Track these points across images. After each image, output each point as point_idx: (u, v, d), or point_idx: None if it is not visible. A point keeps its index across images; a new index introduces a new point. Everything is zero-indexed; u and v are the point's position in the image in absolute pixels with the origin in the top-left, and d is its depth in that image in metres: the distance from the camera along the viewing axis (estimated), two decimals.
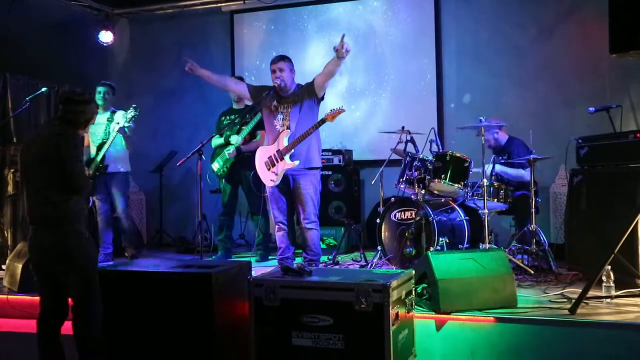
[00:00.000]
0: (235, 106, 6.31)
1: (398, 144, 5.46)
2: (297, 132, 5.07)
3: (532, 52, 6.79)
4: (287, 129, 5.11)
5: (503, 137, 5.62)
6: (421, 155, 5.27)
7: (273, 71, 5.17)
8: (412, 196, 5.14)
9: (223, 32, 8.05)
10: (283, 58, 5.21)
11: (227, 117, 6.20)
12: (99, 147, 5.91)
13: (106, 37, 7.78)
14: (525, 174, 5.32)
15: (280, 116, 5.17)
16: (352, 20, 7.43)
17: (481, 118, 5.04)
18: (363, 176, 7.28)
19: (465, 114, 6.51)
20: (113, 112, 6.07)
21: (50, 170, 3.30)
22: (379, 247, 5.26)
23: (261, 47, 7.80)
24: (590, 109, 5.31)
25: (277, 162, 5.12)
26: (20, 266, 4.73)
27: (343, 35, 4.76)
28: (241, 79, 6.05)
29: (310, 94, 5.12)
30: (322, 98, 5.21)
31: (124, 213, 6.16)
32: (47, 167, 3.31)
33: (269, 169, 5.19)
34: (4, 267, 5.26)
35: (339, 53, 4.76)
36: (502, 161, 5.45)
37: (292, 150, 5.06)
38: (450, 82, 7.15)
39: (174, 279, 3.55)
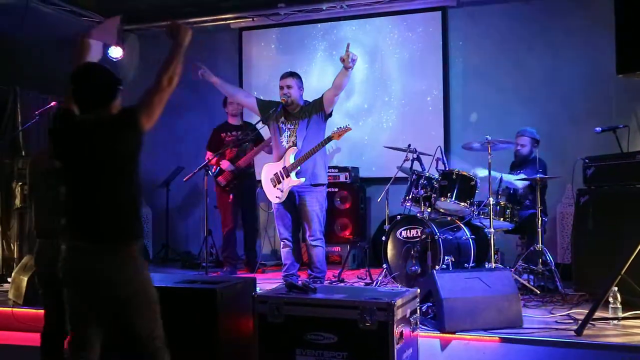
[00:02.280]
0: (231, 121, 6.32)
1: (404, 161, 5.47)
2: (303, 149, 5.08)
3: (538, 71, 6.81)
4: (293, 145, 5.13)
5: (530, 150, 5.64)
6: (427, 174, 5.28)
7: (281, 87, 5.20)
8: (418, 214, 5.13)
9: (231, 49, 8.11)
10: (292, 74, 5.24)
11: (228, 133, 6.20)
12: None
13: (116, 52, 7.84)
14: (519, 184, 5.33)
15: (286, 132, 5.19)
16: (360, 38, 7.46)
17: (487, 137, 5.04)
18: (369, 193, 7.28)
19: (472, 132, 6.51)
20: None
21: (59, 183, 3.32)
22: (384, 265, 5.24)
23: (269, 65, 7.84)
24: (597, 128, 5.31)
25: (283, 179, 5.13)
26: (26, 279, 4.74)
27: (348, 45, 4.81)
28: None
29: (318, 109, 5.14)
30: (330, 114, 5.22)
31: None
32: (57, 180, 3.33)
33: (274, 186, 5.20)
34: (9, 280, 5.27)
35: (345, 63, 4.80)
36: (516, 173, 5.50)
37: (298, 168, 5.07)
38: (457, 100, 7.17)
39: (179, 294, 3.55)
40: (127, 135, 2.61)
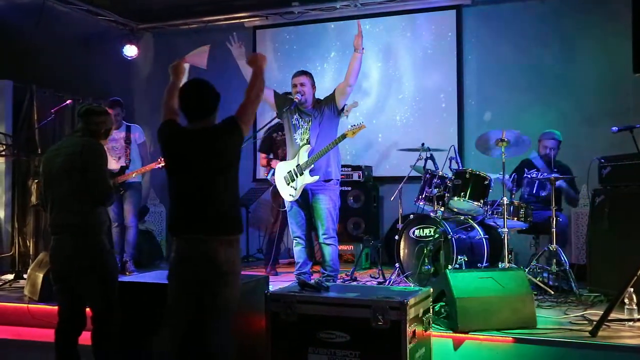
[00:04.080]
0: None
1: (418, 160, 5.46)
2: (317, 147, 5.07)
3: (553, 69, 6.77)
4: (307, 143, 5.12)
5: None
6: (441, 173, 5.26)
7: (294, 85, 5.20)
8: (431, 213, 5.11)
9: (245, 47, 8.10)
10: (305, 73, 5.24)
11: (279, 133, 6.16)
12: (122, 170, 5.89)
13: (131, 51, 7.90)
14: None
15: (300, 130, 5.19)
16: (373, 36, 7.45)
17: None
18: (382, 192, 7.26)
19: (486, 131, 6.46)
20: (128, 127, 6.11)
21: (75, 180, 3.36)
22: (397, 264, 5.23)
23: (283, 63, 7.86)
24: (614, 128, 5.24)
25: (297, 177, 5.13)
26: (41, 276, 4.78)
27: (359, 24, 4.95)
28: None
29: (329, 102, 5.13)
30: (343, 109, 5.22)
31: (133, 223, 6.06)
32: (72, 177, 3.36)
33: (288, 184, 5.20)
34: (25, 276, 5.33)
35: (356, 42, 4.95)
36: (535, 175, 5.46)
37: (312, 165, 5.07)
38: (471, 98, 7.14)
39: None
40: (233, 140, 3.01)
